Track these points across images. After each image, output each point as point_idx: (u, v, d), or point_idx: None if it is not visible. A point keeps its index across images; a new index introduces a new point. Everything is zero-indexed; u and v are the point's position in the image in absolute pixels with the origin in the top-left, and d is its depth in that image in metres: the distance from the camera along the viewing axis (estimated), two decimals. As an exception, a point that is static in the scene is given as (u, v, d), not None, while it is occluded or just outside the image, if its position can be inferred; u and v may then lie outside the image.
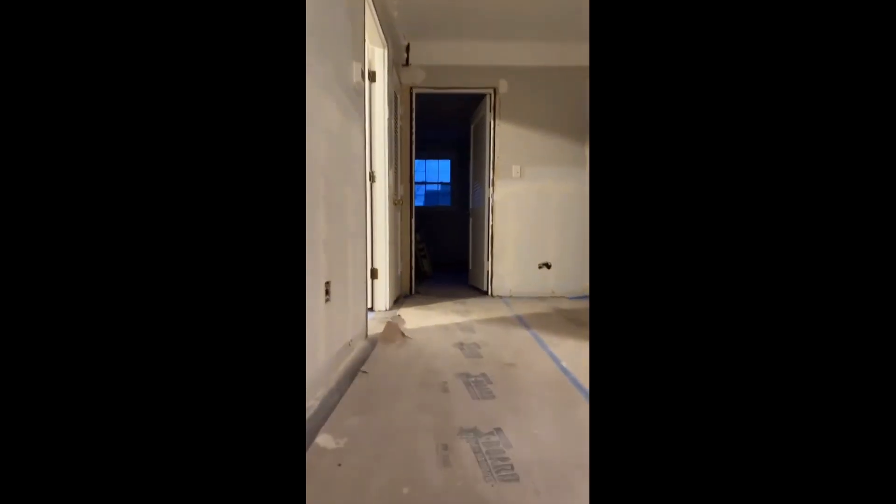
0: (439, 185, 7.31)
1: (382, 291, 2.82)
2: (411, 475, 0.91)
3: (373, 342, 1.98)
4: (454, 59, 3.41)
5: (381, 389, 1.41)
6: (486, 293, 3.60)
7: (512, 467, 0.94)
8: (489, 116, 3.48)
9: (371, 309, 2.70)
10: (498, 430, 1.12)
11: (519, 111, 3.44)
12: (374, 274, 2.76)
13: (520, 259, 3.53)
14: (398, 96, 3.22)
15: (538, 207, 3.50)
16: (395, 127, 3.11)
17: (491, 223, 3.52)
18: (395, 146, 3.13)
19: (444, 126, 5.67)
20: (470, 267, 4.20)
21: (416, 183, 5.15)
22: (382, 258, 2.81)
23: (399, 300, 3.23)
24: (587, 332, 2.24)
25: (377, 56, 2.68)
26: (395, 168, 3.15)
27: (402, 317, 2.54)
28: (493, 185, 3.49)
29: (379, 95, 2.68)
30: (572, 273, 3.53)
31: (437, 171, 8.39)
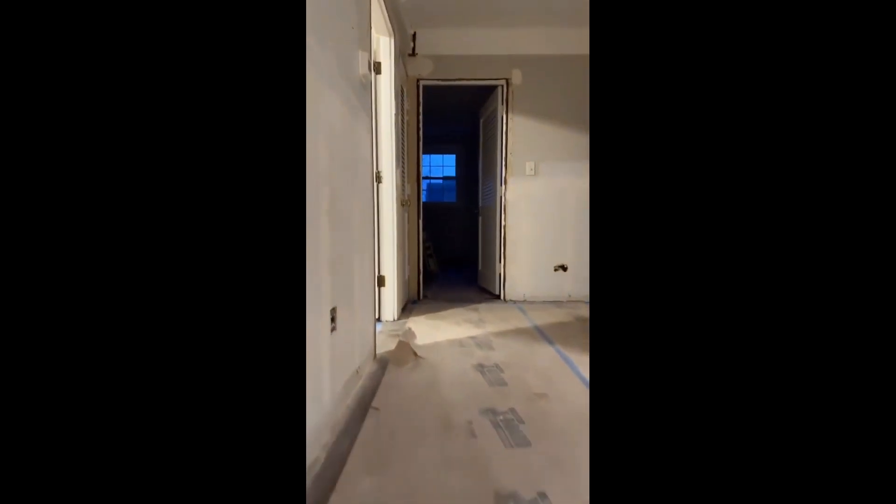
0: (443, 180, 7.09)
1: (390, 300, 2.63)
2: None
3: (382, 364, 1.79)
4: (464, 48, 3.18)
5: (396, 432, 1.22)
6: (498, 297, 3.41)
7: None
8: (501, 110, 3.25)
9: (378, 319, 2.52)
10: (542, 495, 0.93)
11: (534, 103, 3.21)
12: (380, 282, 2.57)
13: (534, 261, 3.33)
14: (404, 89, 2.99)
15: (554, 206, 3.28)
16: (402, 122, 2.89)
17: (503, 224, 3.31)
18: (402, 143, 2.91)
19: (449, 119, 5.43)
20: (480, 268, 4.00)
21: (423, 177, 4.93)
22: (389, 264, 2.61)
23: (407, 307, 3.04)
24: (616, 348, 2.05)
25: (383, 45, 2.46)
26: (402, 167, 2.94)
27: (413, 329, 2.35)
28: (505, 182, 3.28)
29: (385, 88, 2.47)
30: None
31: (442, 165, 8.16)
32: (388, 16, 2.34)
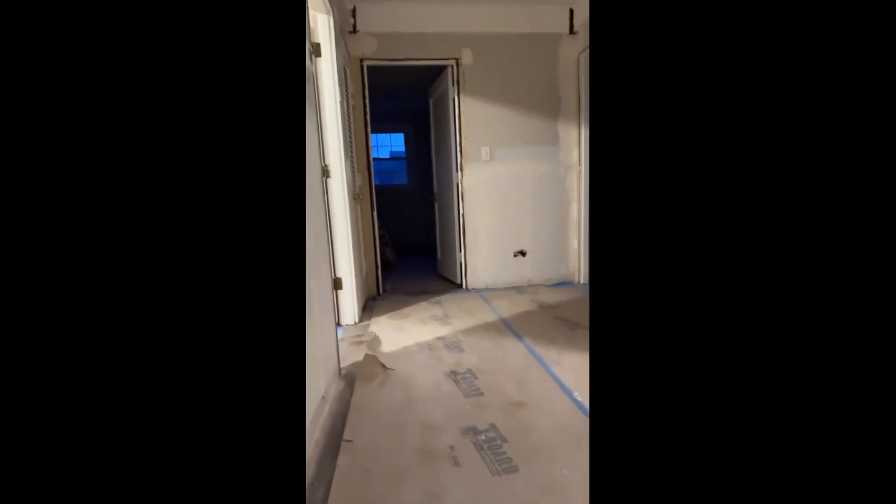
0: (392, 161, 6.83)
1: (349, 302, 2.48)
2: None
3: (349, 381, 1.68)
4: (410, 25, 2.95)
5: (374, 470, 1.13)
6: (459, 286, 3.36)
7: None
8: (452, 91, 3.10)
9: (338, 324, 2.37)
10: (538, 533, 0.89)
11: (486, 85, 3.08)
12: (337, 285, 2.40)
13: (494, 248, 3.29)
14: (347, 71, 2.74)
15: (511, 191, 3.23)
16: (347, 109, 2.66)
17: (462, 212, 3.22)
18: (349, 132, 2.69)
19: (396, 97, 5.16)
20: (439, 256, 3.91)
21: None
22: (346, 264, 2.45)
23: (367, 305, 2.90)
24: (582, 337, 2.07)
25: (321, 24, 2.20)
26: (351, 157, 2.73)
27: (377, 334, 2.24)
28: (461, 169, 3.17)
29: (327, 74, 2.23)
30: (549, 260, 3.36)
31: (390, 145, 7.84)
32: (325, -11, 2.08)
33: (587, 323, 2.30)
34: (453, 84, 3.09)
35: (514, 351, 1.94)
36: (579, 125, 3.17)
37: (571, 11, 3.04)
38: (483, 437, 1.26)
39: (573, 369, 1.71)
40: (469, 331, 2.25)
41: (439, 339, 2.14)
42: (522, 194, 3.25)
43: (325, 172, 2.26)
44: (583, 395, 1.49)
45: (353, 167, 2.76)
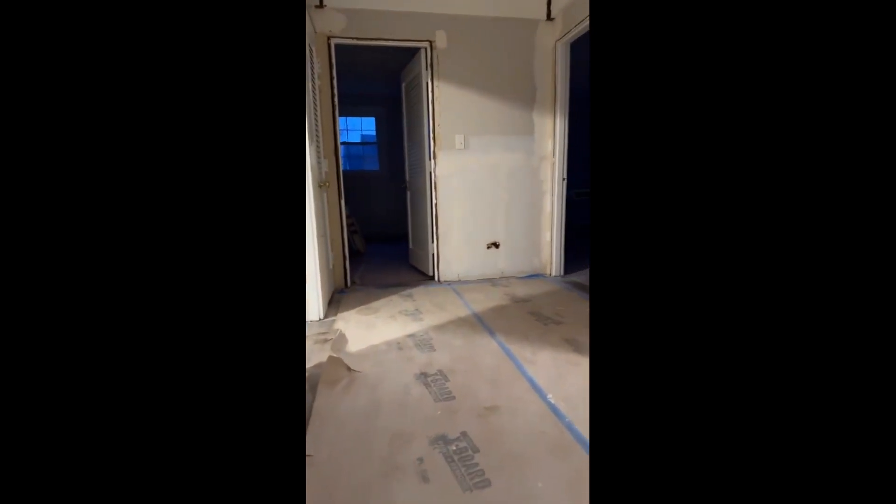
0: (363, 146, 6.60)
1: (314, 297, 2.35)
2: None
3: (312, 385, 1.57)
4: (381, 2, 2.77)
5: (335, 491, 1.04)
6: (431, 278, 3.27)
7: None
8: (426, 75, 2.96)
9: (302, 320, 2.24)
10: (512, 558, 0.83)
11: (461, 70, 2.96)
12: (302, 278, 2.26)
13: (467, 240, 3.21)
14: (313, 49, 2.55)
15: (485, 182, 3.15)
16: (313, 89, 2.48)
17: (435, 202, 3.12)
18: (315, 115, 2.52)
19: (367, 79, 4.94)
20: (411, 246, 3.80)
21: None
22: (311, 256, 2.31)
23: (334, 298, 2.77)
24: (555, 333, 2.04)
25: (281, -6, 2.00)
26: (317, 141, 2.56)
27: (344, 332, 2.12)
28: (434, 157, 3.05)
29: (289, 50, 2.04)
30: (522, 251, 3.32)
31: (361, 128, 7.57)
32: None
33: (559, 318, 2.28)
34: (427, 68, 2.94)
35: (486, 349, 1.88)
36: (554, 115, 3.11)
37: (549, -4, 2.95)
38: (454, 448, 1.19)
39: (546, 368, 1.67)
40: (441, 327, 2.18)
41: (409, 336, 2.06)
42: (497, 184, 3.18)
43: (288, 158, 2.10)
44: (556, 396, 1.45)
45: (318, 152, 2.60)
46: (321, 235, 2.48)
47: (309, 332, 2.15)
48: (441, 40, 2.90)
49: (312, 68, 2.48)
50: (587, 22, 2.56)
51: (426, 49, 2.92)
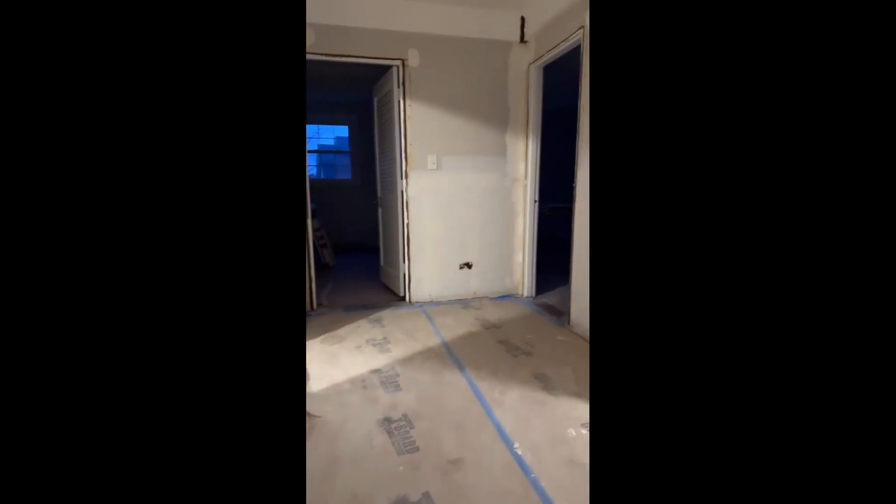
0: (335, 154, 6.45)
1: (276, 326, 2.23)
2: None
3: (268, 434, 1.47)
4: (352, 18, 2.69)
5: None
6: (403, 299, 3.20)
7: None
8: (398, 93, 2.89)
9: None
10: None
11: (433, 89, 2.91)
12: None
13: (440, 260, 3.16)
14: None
15: (458, 202, 3.11)
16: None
17: (406, 222, 3.05)
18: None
19: (339, 89, 4.82)
20: (382, 264, 3.72)
21: (308, 151, 4.34)
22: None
23: (299, 324, 2.66)
24: (524, 367, 2.01)
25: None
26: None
27: (306, 366, 2.02)
28: (406, 176, 2.99)
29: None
30: (494, 272, 3.30)
31: (333, 137, 7.42)
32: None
33: (529, 348, 2.26)
34: (399, 86, 2.88)
35: (454, 387, 1.83)
36: (527, 138, 3.11)
37: (523, 20, 2.94)
38: (415, 513, 1.13)
39: (514, 410, 1.63)
40: (408, 360, 2.11)
41: (375, 371, 1.98)
42: (469, 205, 3.15)
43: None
44: (522, 445, 1.41)
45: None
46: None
47: (269, 366, 2.04)
48: (414, 59, 2.84)
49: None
50: (561, 47, 2.57)
51: (398, 67, 2.85)
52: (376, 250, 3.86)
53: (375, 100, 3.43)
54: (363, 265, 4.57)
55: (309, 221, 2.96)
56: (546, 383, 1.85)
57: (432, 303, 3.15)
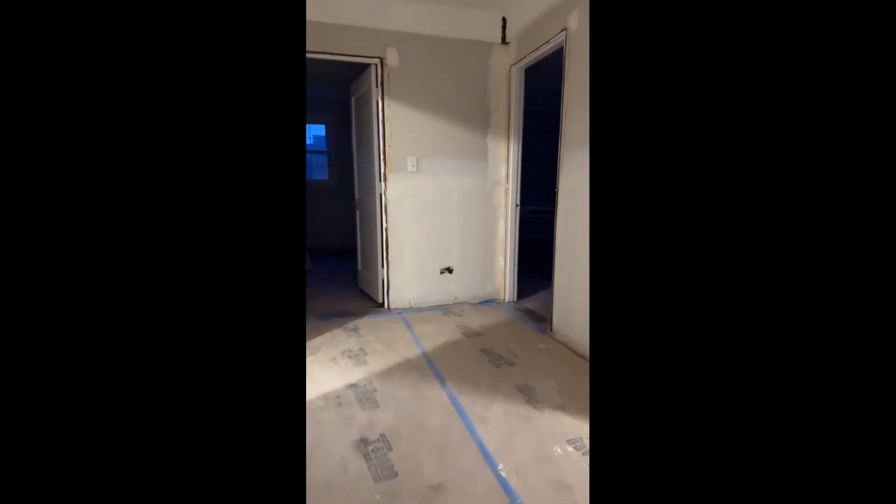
0: (311, 154, 6.27)
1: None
2: None
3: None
4: (329, 15, 2.57)
5: None
6: (381, 305, 3.10)
7: None
8: (376, 93, 2.79)
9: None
10: None
11: (413, 90, 2.82)
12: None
13: (420, 265, 3.07)
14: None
15: (439, 206, 3.03)
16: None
17: (385, 226, 2.95)
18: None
19: (315, 86, 4.67)
20: (359, 268, 3.60)
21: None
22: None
23: (271, 334, 2.52)
24: (507, 378, 1.95)
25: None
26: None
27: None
28: (385, 179, 2.89)
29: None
30: (476, 277, 3.23)
31: (310, 136, 7.21)
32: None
33: (512, 357, 2.20)
34: (377, 85, 2.78)
35: (435, 403, 1.74)
36: (508, 140, 3.06)
37: (504, 20, 2.89)
38: (393, 550, 1.04)
39: (498, 426, 1.56)
40: (387, 373, 2.02)
41: (351, 386, 1.88)
42: (450, 209, 3.07)
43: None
44: (507, 467, 1.34)
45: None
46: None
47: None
48: (392, 58, 2.75)
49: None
50: (543, 49, 2.52)
51: (376, 66, 2.75)
52: (354, 253, 3.74)
53: (353, 99, 3.31)
54: (341, 269, 4.44)
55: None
56: (530, 396, 1.79)
57: (412, 309, 3.06)
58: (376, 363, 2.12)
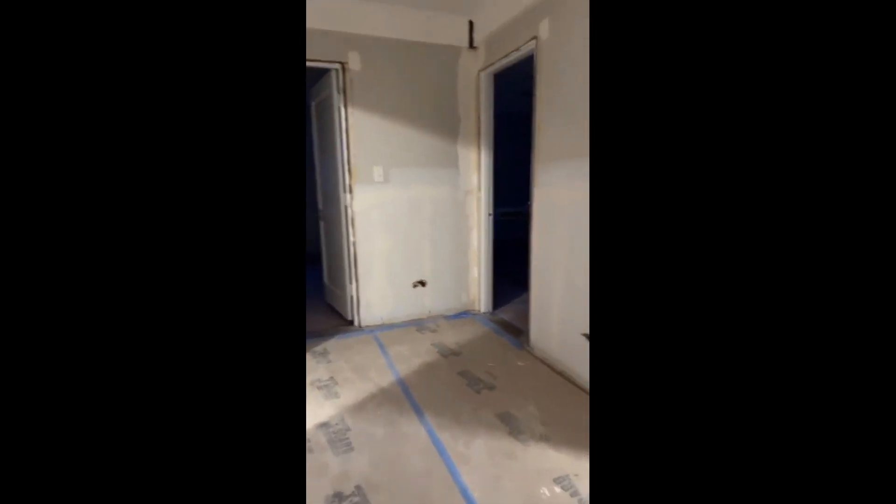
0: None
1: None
2: None
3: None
4: (281, 15, 2.36)
5: None
6: (351, 323, 2.95)
7: None
8: (338, 99, 2.62)
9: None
10: None
11: (378, 96, 2.67)
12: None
13: (391, 279, 2.94)
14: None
15: (409, 217, 2.91)
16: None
17: (353, 240, 2.79)
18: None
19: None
20: (326, 282, 3.42)
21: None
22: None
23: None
24: (488, 406, 1.87)
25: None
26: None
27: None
28: (350, 191, 2.73)
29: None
30: (449, 289, 3.14)
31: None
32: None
33: (492, 379, 2.12)
34: (339, 92, 2.60)
35: (414, 442, 1.64)
36: (479, 147, 2.97)
37: (471, 24, 2.78)
38: None
39: (481, 467, 1.48)
40: (360, 407, 1.89)
41: (322, 426, 1.74)
42: (421, 220, 2.95)
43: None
44: (495, 517, 1.26)
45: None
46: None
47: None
48: (354, 62, 2.58)
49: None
50: (513, 56, 2.43)
51: (337, 71, 2.57)
52: (320, 260, 3.55)
53: (313, 104, 3.11)
54: (309, 281, 4.22)
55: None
56: (512, 426, 1.72)
57: (384, 326, 2.93)
58: (348, 395, 1.99)
